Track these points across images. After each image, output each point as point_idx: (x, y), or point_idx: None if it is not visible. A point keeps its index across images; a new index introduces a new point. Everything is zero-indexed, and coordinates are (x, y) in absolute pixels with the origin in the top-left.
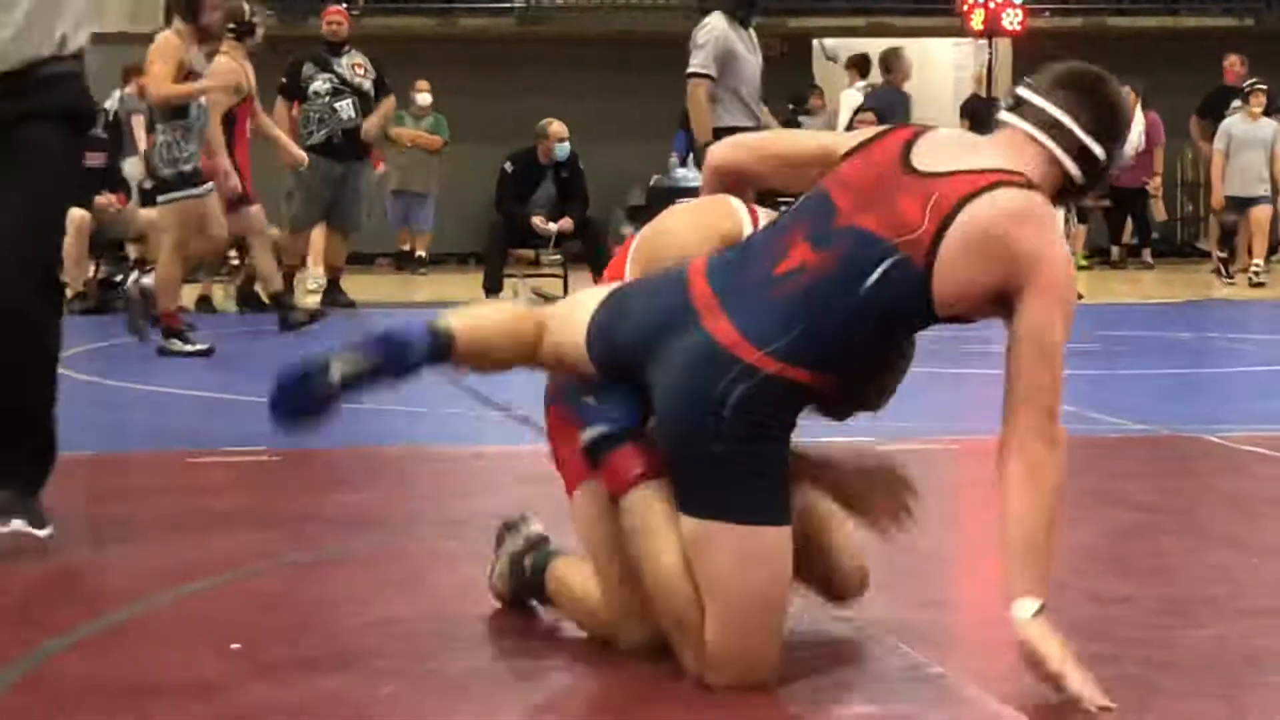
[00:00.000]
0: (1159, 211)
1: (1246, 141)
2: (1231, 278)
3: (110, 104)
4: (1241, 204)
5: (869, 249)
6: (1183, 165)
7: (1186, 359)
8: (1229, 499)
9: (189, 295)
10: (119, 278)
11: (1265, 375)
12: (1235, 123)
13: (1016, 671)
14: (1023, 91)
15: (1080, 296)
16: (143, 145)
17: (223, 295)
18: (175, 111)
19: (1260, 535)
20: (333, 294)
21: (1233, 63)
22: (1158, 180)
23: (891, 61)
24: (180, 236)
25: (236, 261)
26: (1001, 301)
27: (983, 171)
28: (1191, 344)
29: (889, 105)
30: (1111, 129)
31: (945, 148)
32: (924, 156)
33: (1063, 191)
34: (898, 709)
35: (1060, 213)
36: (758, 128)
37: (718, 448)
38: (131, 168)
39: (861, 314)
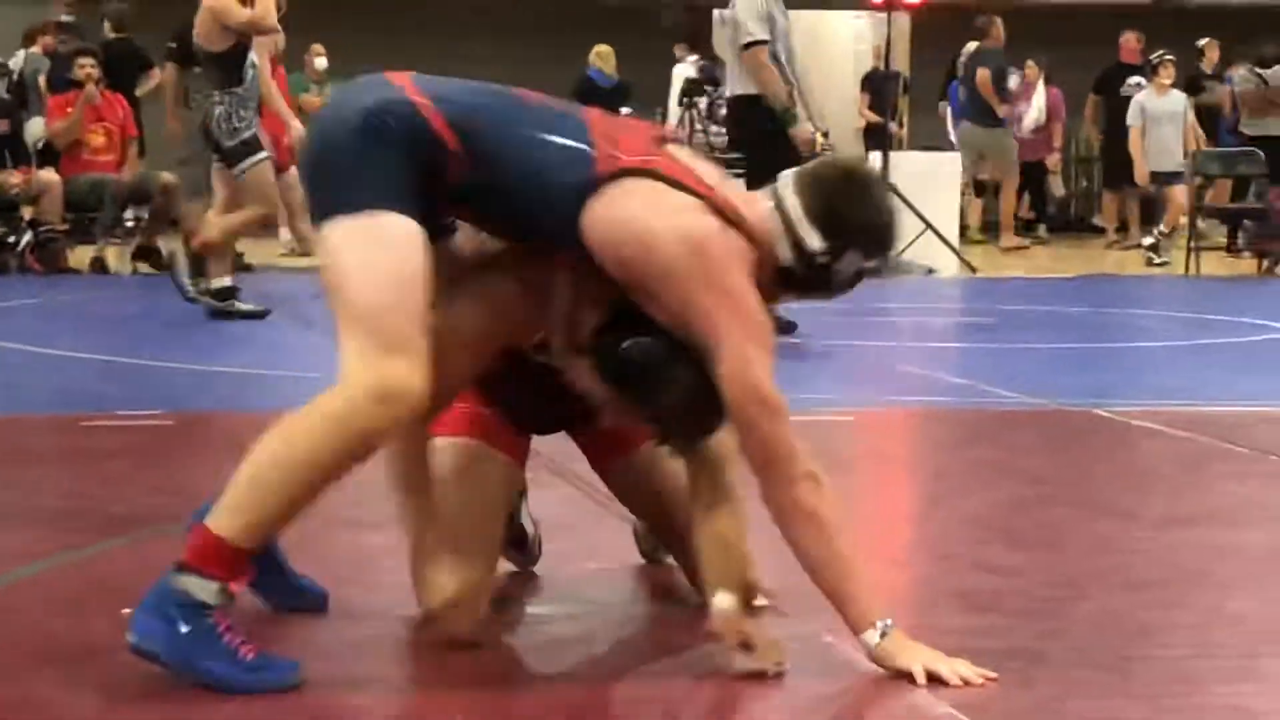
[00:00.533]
0: (1057, 187)
1: (1160, 116)
2: (1165, 260)
3: (15, 64)
4: (1159, 180)
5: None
6: (1078, 141)
7: (1079, 333)
8: (1119, 472)
9: (83, 257)
10: (11, 239)
11: (1156, 350)
12: (1147, 98)
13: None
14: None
15: (974, 270)
16: (47, 103)
17: (116, 258)
18: (229, 79)
19: (1148, 508)
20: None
21: (1128, 39)
22: (1057, 156)
23: (987, 25)
24: (271, 196)
25: (132, 223)
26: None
27: (701, 182)
28: (1084, 318)
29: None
30: (832, 225)
31: (705, 165)
32: (679, 150)
33: (784, 276)
34: (787, 679)
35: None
36: (792, 91)
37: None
38: (36, 128)
39: (536, 167)
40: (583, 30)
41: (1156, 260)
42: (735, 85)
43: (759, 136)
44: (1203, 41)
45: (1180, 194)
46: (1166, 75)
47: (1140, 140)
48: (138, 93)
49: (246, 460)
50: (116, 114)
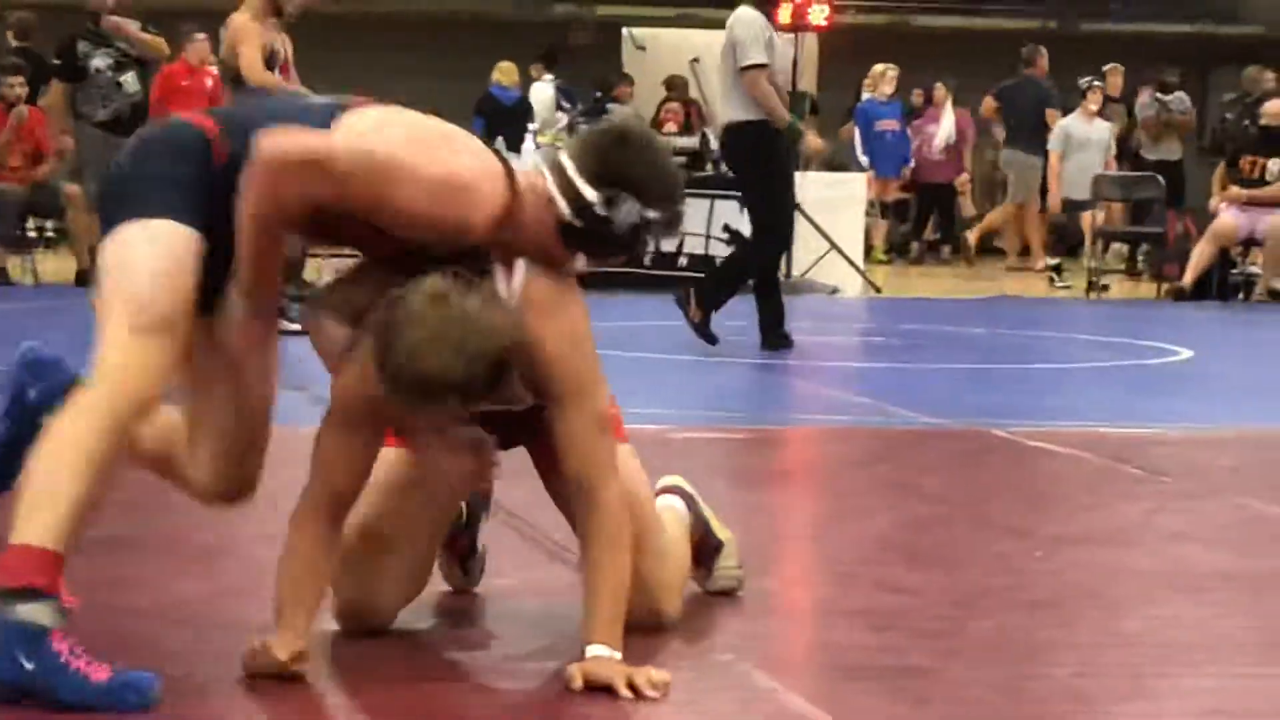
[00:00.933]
0: (968, 207)
1: (1084, 142)
2: (1068, 284)
3: None
4: (1077, 207)
5: None
6: (981, 163)
7: (980, 354)
8: (1016, 492)
9: None
10: None
11: (1054, 372)
12: (1072, 123)
13: (806, 661)
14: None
15: (878, 290)
16: None
17: (18, 269)
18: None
19: (1044, 528)
20: None
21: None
22: (965, 177)
23: (1032, 55)
24: None
25: (35, 233)
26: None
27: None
28: (986, 340)
29: (1018, 95)
30: (605, 175)
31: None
32: None
33: (567, 233)
34: (679, 695)
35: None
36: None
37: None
38: None
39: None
40: (492, 48)
41: (1059, 283)
42: (732, 111)
43: (760, 162)
44: (1107, 68)
45: (1096, 219)
46: (1094, 101)
47: (1059, 165)
48: (40, 103)
49: (29, 469)
50: (32, 128)
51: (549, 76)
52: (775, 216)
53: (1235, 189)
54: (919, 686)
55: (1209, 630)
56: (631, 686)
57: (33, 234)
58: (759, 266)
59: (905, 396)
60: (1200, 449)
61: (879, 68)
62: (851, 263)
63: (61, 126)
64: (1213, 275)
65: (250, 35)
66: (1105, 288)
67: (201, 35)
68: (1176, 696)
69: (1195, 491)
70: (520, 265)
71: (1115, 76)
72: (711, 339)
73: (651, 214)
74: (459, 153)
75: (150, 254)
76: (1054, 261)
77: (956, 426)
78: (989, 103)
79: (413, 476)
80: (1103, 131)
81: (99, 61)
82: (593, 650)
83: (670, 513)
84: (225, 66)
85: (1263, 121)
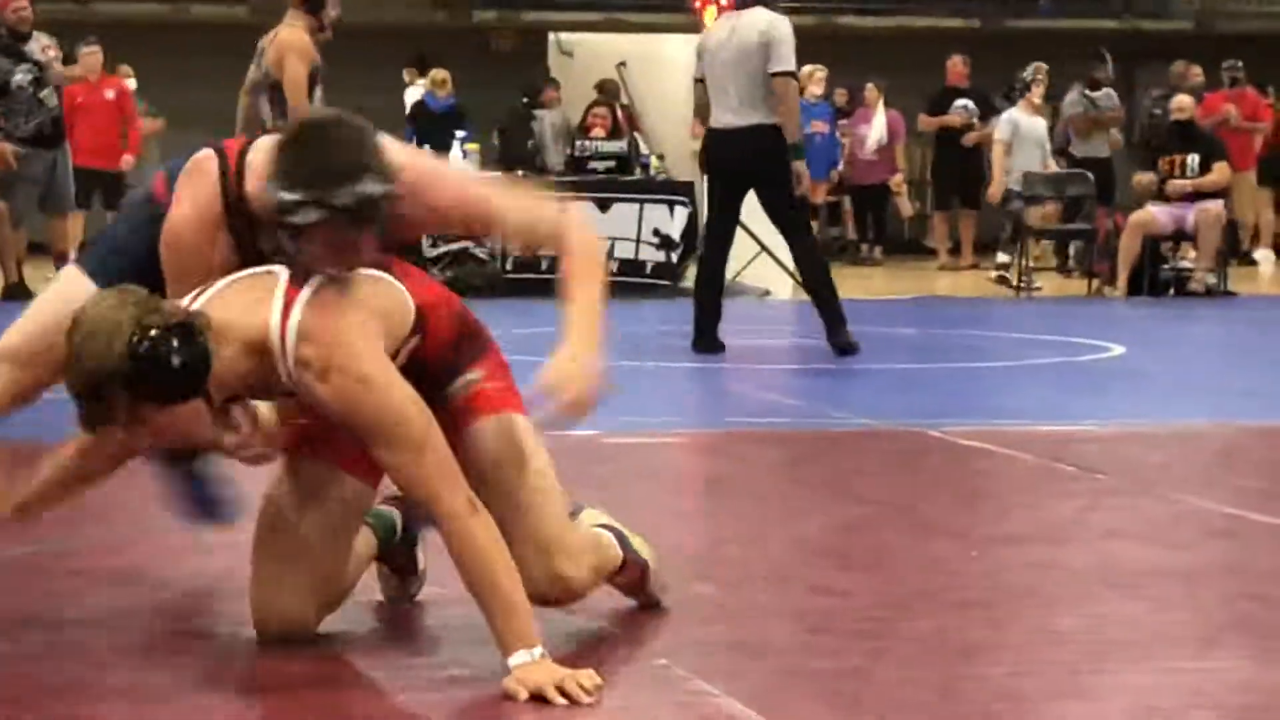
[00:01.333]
0: (905, 208)
1: (1029, 136)
2: (1025, 288)
3: None
4: (1017, 199)
5: None
6: (911, 163)
7: (912, 354)
8: (950, 492)
9: None
10: None
11: (988, 371)
12: (1017, 114)
13: (742, 665)
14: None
15: None
16: None
17: None
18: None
19: (979, 527)
20: None
21: (955, 63)
22: (900, 176)
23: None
24: None
25: None
26: None
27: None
28: (917, 340)
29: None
30: (296, 175)
31: None
32: None
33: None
34: (615, 700)
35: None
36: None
37: None
38: None
39: None
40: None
41: (1013, 282)
42: (754, 114)
43: (781, 164)
44: (1031, 66)
45: (1034, 215)
46: (1038, 94)
47: (1003, 155)
48: None
49: None
50: None
51: (421, 81)
52: (802, 211)
53: (1173, 184)
54: (854, 688)
55: (1144, 626)
56: (563, 692)
57: None
58: (809, 259)
59: (839, 398)
60: (1133, 445)
61: (807, 69)
62: (782, 265)
63: None
64: (1143, 272)
65: (304, 53)
66: (1038, 288)
67: (92, 48)
68: (1113, 693)
69: (1129, 488)
70: (307, 286)
71: (1040, 75)
72: (853, 347)
73: (338, 200)
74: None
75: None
76: (1003, 258)
77: (891, 428)
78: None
79: (307, 488)
80: (1041, 127)
81: (19, 78)
82: (513, 660)
83: (601, 536)
84: (266, 78)
85: (1174, 117)
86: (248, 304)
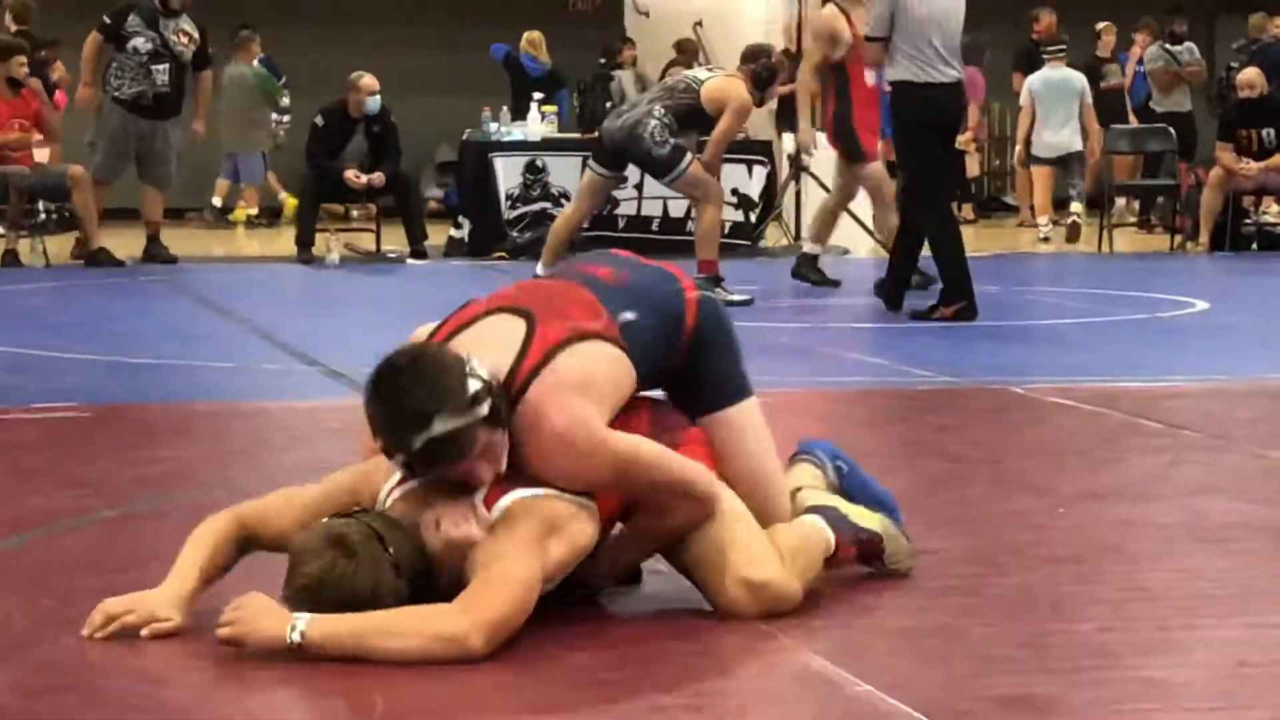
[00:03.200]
0: (971, 165)
1: (1060, 92)
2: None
3: None
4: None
5: None
6: (990, 120)
7: (994, 312)
8: (1034, 449)
9: None
10: None
11: (1068, 328)
12: (1043, 74)
13: (829, 622)
14: None
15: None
16: None
17: (29, 250)
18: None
19: (1065, 484)
20: (152, 249)
21: (1043, 17)
22: (969, 135)
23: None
24: (717, 193)
25: (44, 216)
26: None
27: None
28: (999, 297)
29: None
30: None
31: None
32: None
33: None
34: (704, 660)
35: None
36: (948, 84)
37: None
38: None
39: None
40: (493, 15)
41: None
42: (958, 67)
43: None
44: (1101, 25)
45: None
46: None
47: (1026, 120)
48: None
49: None
50: (30, 109)
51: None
52: None
53: (1246, 164)
54: (942, 645)
55: (1233, 581)
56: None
57: (42, 216)
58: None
59: (922, 357)
60: (1218, 401)
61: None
62: (862, 224)
63: (86, 79)
64: (1225, 227)
65: (744, 113)
66: (1044, 239)
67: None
68: (1203, 648)
69: (1214, 444)
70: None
71: (1109, 35)
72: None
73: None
74: None
75: None
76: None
77: (972, 385)
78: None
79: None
80: (1075, 81)
81: (139, 43)
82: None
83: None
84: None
85: (1242, 94)
86: None
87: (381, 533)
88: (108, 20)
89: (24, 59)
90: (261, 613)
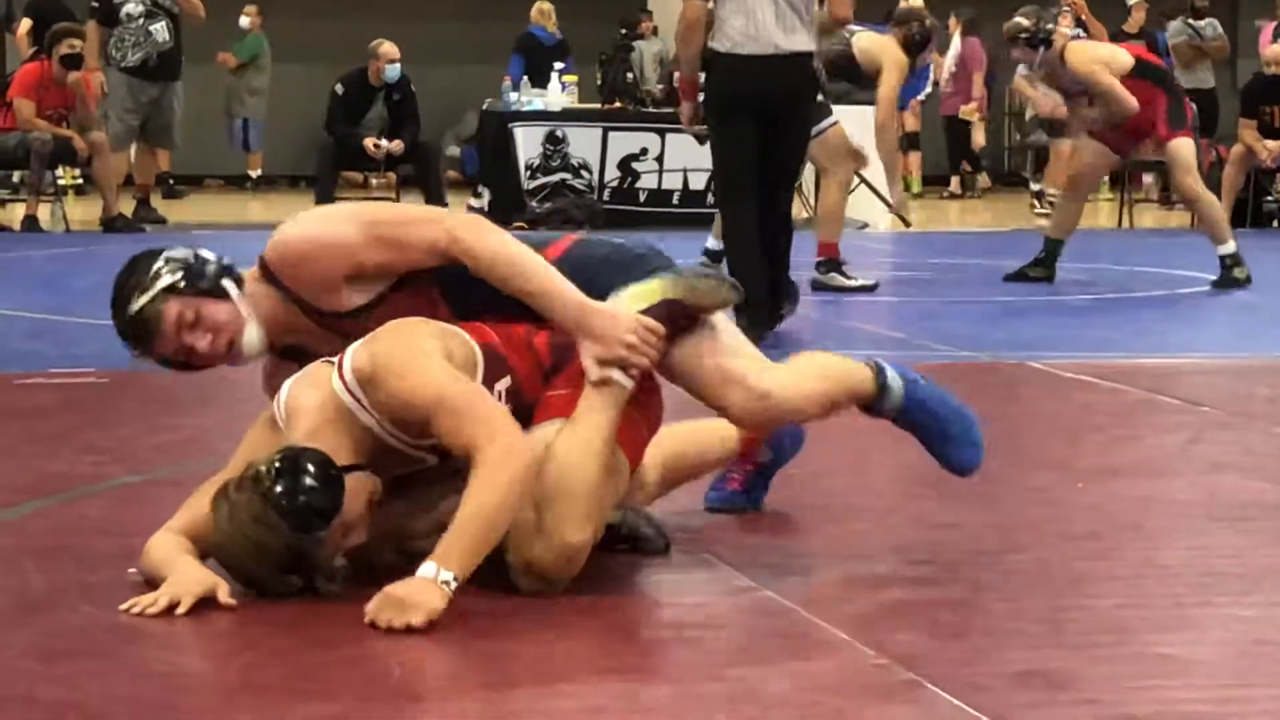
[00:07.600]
0: (978, 137)
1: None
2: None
3: None
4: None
5: None
6: (1009, 94)
7: (1012, 287)
8: (1052, 424)
9: (16, 214)
10: None
11: (1086, 303)
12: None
13: (845, 595)
14: None
15: (908, 224)
16: None
17: (49, 215)
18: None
19: (1081, 459)
20: (143, 210)
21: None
22: (973, 105)
23: None
24: (846, 167)
25: (64, 181)
26: None
27: None
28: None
29: None
30: None
31: None
32: None
33: None
34: (721, 633)
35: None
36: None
37: None
38: None
39: None
40: None
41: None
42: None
43: None
44: (1132, 2)
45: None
46: (1066, 23)
47: (1028, 90)
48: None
49: None
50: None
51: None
52: None
53: (1267, 151)
54: (958, 619)
55: (1250, 559)
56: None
57: (63, 181)
58: None
59: (940, 331)
60: (1237, 378)
61: None
62: (881, 197)
63: (94, 66)
64: (1246, 204)
65: (901, 69)
66: (1043, 213)
67: None
68: (1219, 626)
69: (1233, 421)
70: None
71: (1139, 13)
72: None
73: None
74: None
75: None
76: (1036, 189)
77: (990, 360)
78: None
79: None
80: None
81: (131, 8)
82: (422, 570)
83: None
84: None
85: (1269, 72)
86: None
87: (260, 470)
88: (95, 3)
89: (76, 40)
90: (413, 591)
